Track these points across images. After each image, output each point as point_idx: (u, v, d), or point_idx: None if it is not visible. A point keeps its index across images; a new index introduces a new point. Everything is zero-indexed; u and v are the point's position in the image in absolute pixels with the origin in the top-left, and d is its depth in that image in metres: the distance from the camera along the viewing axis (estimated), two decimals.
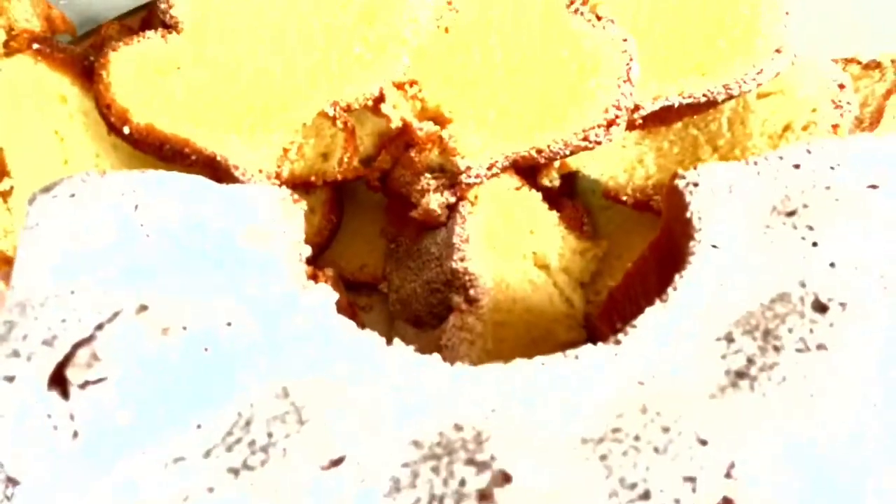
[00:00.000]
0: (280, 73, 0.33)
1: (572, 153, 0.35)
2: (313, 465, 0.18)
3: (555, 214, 0.38)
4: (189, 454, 0.18)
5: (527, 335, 0.36)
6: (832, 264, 0.23)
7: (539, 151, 0.34)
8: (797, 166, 0.26)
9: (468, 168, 0.34)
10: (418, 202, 0.36)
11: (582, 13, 0.34)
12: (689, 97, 0.34)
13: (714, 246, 0.24)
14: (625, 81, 0.33)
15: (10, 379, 0.20)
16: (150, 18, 0.41)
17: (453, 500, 0.17)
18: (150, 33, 0.33)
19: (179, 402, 0.19)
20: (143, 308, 0.21)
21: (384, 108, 0.33)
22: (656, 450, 0.18)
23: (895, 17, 0.47)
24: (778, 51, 0.34)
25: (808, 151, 0.26)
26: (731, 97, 0.34)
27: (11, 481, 0.21)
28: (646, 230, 0.39)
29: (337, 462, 0.18)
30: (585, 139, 0.33)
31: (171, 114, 0.31)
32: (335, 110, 0.34)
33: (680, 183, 0.27)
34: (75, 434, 0.19)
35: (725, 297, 0.23)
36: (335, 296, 0.23)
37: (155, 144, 0.30)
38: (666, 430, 0.19)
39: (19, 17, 0.34)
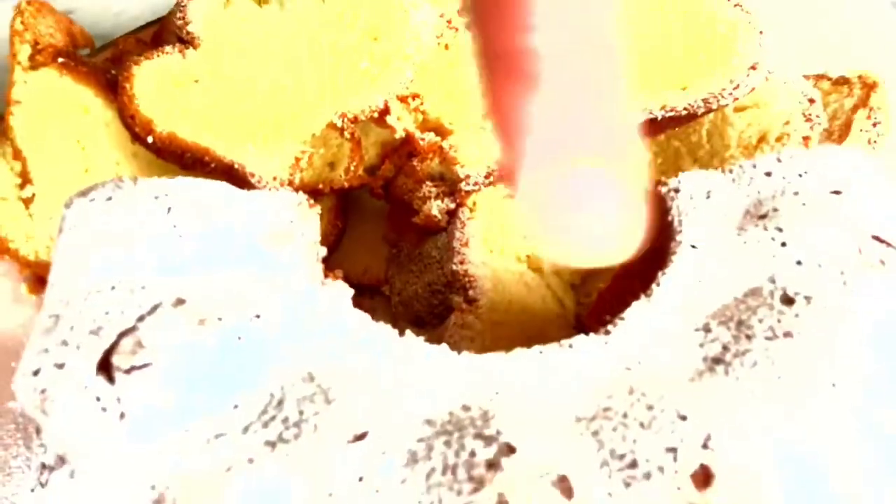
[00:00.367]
0: (291, 86, 0.35)
1: None
2: (341, 439, 0.20)
3: None
4: (229, 430, 0.20)
5: (522, 333, 0.39)
6: (798, 262, 0.25)
7: None
8: (769, 174, 0.29)
9: (467, 176, 0.37)
10: (420, 208, 0.38)
11: None
12: (672, 111, 0.37)
13: (693, 246, 0.27)
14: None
15: (61, 366, 0.22)
16: (161, 33, 0.43)
17: (465, 469, 0.20)
18: (168, 48, 0.35)
19: (217, 385, 0.21)
20: (181, 301, 0.23)
21: (389, 119, 0.36)
22: (642, 425, 0.21)
23: (863, 37, 0.50)
24: (753, 67, 0.37)
25: (779, 160, 0.29)
26: (710, 110, 0.37)
27: (48, 468, 0.23)
28: None
29: (361, 437, 0.20)
30: None
31: (191, 124, 0.33)
32: (343, 121, 0.36)
33: (662, 189, 0.29)
34: (122, 415, 0.21)
35: (703, 292, 0.25)
36: (350, 291, 0.26)
37: (177, 153, 0.32)
38: (650, 408, 0.21)
39: (44, 31, 0.36)
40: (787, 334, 0.23)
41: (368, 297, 0.43)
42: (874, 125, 0.43)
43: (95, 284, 0.24)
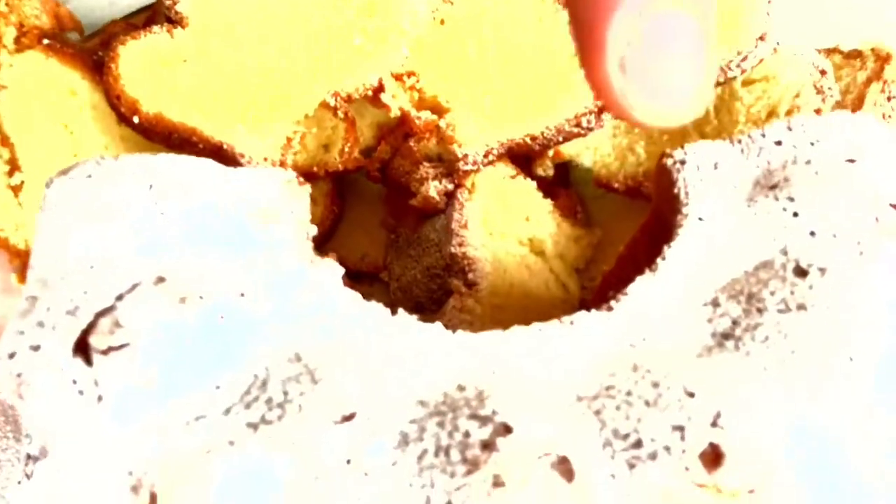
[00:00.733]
0: (283, 65, 0.34)
1: (565, 140, 0.36)
2: (327, 420, 0.19)
3: (549, 202, 0.40)
4: (210, 412, 0.19)
5: (524, 318, 0.37)
6: (812, 233, 0.24)
7: (533, 138, 0.35)
8: (779, 143, 0.27)
9: (465, 156, 0.35)
10: (417, 190, 0.37)
11: None
12: None
13: (700, 219, 0.26)
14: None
15: (36, 348, 0.21)
16: (154, 18, 0.42)
17: (458, 450, 0.18)
18: (156, 28, 0.34)
19: (198, 365, 0.20)
20: (161, 280, 0.22)
21: (384, 97, 0.35)
22: (647, 403, 0.20)
23: (875, 9, 0.49)
24: (761, 38, 0.35)
25: (789, 129, 0.28)
26: (717, 84, 0.36)
27: (32, 458, 0.22)
28: (638, 217, 0.40)
29: (349, 417, 0.19)
30: (577, 125, 0.35)
31: (178, 104, 0.32)
32: (336, 101, 0.35)
33: (668, 161, 0.28)
34: (99, 398, 0.20)
35: (712, 265, 0.24)
36: (341, 270, 0.25)
37: (164, 133, 0.31)
38: (656, 385, 0.20)
39: (29, 13, 0.35)
40: (801, 307, 0.22)
41: (367, 283, 0.42)
42: (888, 99, 0.41)
43: (74, 264, 0.23)
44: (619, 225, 0.41)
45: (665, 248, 0.25)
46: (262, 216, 0.26)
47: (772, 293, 0.22)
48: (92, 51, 0.36)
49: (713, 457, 0.18)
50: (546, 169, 0.40)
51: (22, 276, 0.38)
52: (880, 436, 0.19)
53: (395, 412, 0.20)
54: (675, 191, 0.27)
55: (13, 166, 0.36)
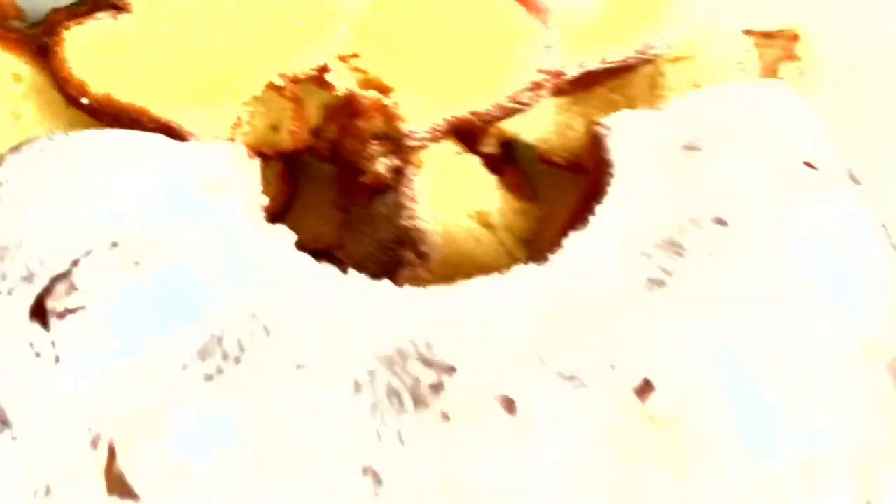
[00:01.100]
0: (228, 45, 0.35)
1: (506, 116, 0.38)
2: (282, 369, 0.20)
3: (495, 178, 0.41)
4: (166, 368, 0.20)
5: None
6: (730, 188, 0.26)
7: (476, 114, 0.37)
8: (700, 109, 0.30)
9: (411, 132, 0.37)
10: (367, 168, 0.38)
11: None
12: (607, 63, 0.38)
13: (628, 179, 0.28)
14: (548, 48, 0.36)
15: None
16: (96, 6, 0.42)
17: (409, 392, 0.20)
18: (100, 14, 0.34)
19: (154, 326, 0.21)
20: (115, 245, 0.23)
21: (329, 78, 0.36)
22: (583, 344, 0.21)
23: None
24: (682, 19, 0.38)
25: (709, 95, 0.30)
26: (644, 62, 0.38)
27: None
28: (579, 189, 0.42)
29: (301, 367, 0.20)
30: (516, 101, 0.36)
31: (126, 85, 0.33)
32: (283, 81, 0.36)
33: (599, 129, 0.30)
34: (57, 359, 0.21)
35: (640, 220, 0.26)
36: (294, 236, 0.26)
37: (113, 114, 0.32)
38: (591, 327, 0.22)
39: None
40: (721, 253, 0.24)
41: (322, 262, 0.43)
42: (801, 76, 0.44)
43: (29, 234, 0.23)
44: (563, 198, 0.43)
45: (595, 205, 0.27)
46: (213, 187, 0.26)
47: (694, 242, 0.24)
48: (36, 35, 0.36)
49: (645, 389, 0.20)
50: (491, 146, 0.42)
51: None
52: (794, 366, 0.21)
53: (348, 361, 0.21)
54: (606, 155, 0.29)
55: None
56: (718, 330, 0.21)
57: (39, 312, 0.21)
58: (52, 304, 0.21)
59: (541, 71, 0.36)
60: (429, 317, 0.22)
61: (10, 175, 0.25)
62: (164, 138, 0.27)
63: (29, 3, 0.44)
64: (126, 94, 0.32)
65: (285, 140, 0.38)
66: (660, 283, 0.23)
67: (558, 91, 0.40)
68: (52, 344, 0.21)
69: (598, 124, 0.30)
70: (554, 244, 0.37)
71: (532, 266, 0.24)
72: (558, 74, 0.38)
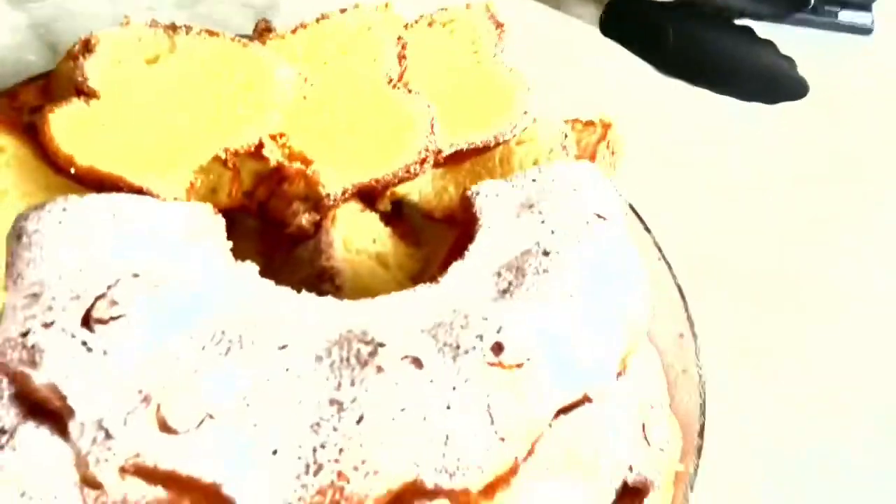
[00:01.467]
0: (182, 127, 0.45)
1: (399, 182, 0.50)
2: (270, 349, 0.30)
3: (389, 229, 0.53)
4: (190, 350, 0.29)
5: None
6: (553, 231, 0.40)
7: (377, 181, 0.49)
8: (534, 180, 0.44)
9: (327, 195, 0.48)
10: (291, 222, 0.49)
11: (399, 87, 0.50)
12: (472, 144, 0.52)
13: (489, 227, 0.41)
14: (430, 133, 0.49)
15: (49, 325, 0.30)
16: (49, 84, 0.50)
17: (356, 358, 0.31)
18: (74, 99, 0.43)
19: (175, 325, 0.30)
20: (136, 275, 0.32)
21: (264, 152, 0.46)
22: (462, 327, 0.33)
23: (605, 90, 0.70)
24: (525, 112, 0.52)
25: (540, 171, 0.44)
26: (498, 144, 0.52)
27: (6, 432, 0.31)
28: (453, 237, 0.55)
29: (283, 347, 0.31)
30: (407, 171, 0.49)
31: (104, 157, 0.41)
32: (225, 154, 0.46)
33: (469, 193, 0.43)
34: (105, 352, 0.29)
35: (496, 252, 0.39)
36: (257, 268, 0.36)
37: (97, 181, 0.40)
38: (466, 317, 0.34)
39: None
40: (545, 271, 0.37)
41: None
42: (612, 153, 0.61)
43: (64, 269, 0.32)
44: (440, 243, 0.55)
45: (469, 244, 0.39)
46: (193, 235, 0.36)
47: (530, 265, 0.37)
48: (15, 111, 0.43)
49: (498, 349, 0.32)
50: (385, 205, 0.54)
51: None
52: (587, 333, 0.34)
53: (312, 343, 0.31)
54: (474, 211, 0.42)
55: None
56: (539, 315, 0.34)
57: (87, 322, 0.30)
58: (98, 314, 0.30)
59: (425, 149, 0.49)
60: (363, 316, 0.33)
61: (38, 226, 0.34)
62: (151, 199, 0.37)
63: None
64: (106, 165, 0.41)
65: (223, 200, 0.48)
66: (507, 291, 0.36)
67: (437, 164, 0.53)
68: (100, 342, 0.29)
69: (468, 189, 0.43)
70: (441, 270, 0.49)
71: (429, 284, 0.36)
72: (437, 152, 0.51)
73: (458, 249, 0.46)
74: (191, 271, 0.33)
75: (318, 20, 0.52)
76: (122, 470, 0.27)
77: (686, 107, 0.77)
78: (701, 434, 0.45)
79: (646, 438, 0.42)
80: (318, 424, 0.28)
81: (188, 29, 0.46)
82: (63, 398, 0.29)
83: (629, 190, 0.55)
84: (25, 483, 0.31)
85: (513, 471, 0.32)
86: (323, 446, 0.28)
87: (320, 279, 0.47)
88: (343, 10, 0.52)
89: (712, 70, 0.79)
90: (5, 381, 0.31)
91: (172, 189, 0.44)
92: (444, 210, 0.55)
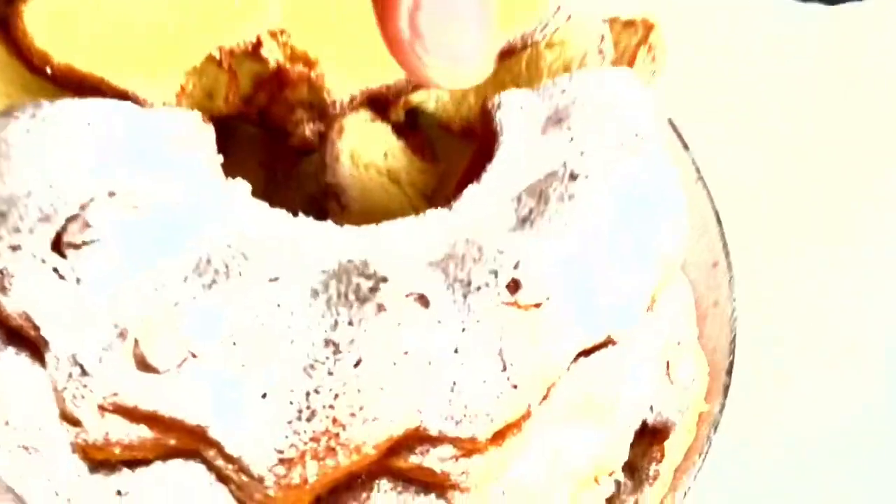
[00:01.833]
0: (173, 21, 0.40)
1: (413, 89, 0.45)
2: (260, 281, 0.27)
3: (402, 141, 0.49)
4: (171, 281, 0.27)
5: None
6: (582, 152, 0.35)
7: (388, 87, 0.44)
8: (564, 91, 0.39)
9: (333, 102, 0.44)
10: (293, 132, 0.45)
11: None
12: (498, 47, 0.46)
13: (510, 145, 0.36)
14: None
15: (16, 248, 0.27)
16: None
17: (353, 294, 0.27)
18: None
19: (155, 251, 0.27)
20: (112, 194, 0.28)
21: (262, 52, 0.42)
22: (474, 260, 0.30)
23: None
24: (558, 8, 0.47)
25: (571, 80, 0.39)
26: (525, 46, 0.47)
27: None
28: (471, 152, 0.51)
29: (275, 279, 0.27)
30: None
31: (84, 56, 0.37)
32: (220, 54, 0.41)
33: (489, 104, 0.39)
34: (78, 280, 0.27)
35: (517, 175, 0.35)
36: (249, 186, 0.32)
37: (75, 82, 0.36)
38: (480, 249, 0.30)
39: None
40: (571, 198, 0.33)
41: None
42: (653, 60, 0.55)
43: (35, 185, 0.28)
44: (458, 159, 0.51)
45: (487, 164, 0.35)
46: (178, 144, 0.32)
47: (554, 190, 0.33)
48: None
49: (514, 286, 0.29)
50: (398, 114, 0.49)
51: None
52: (609, 263, 0.31)
53: (307, 276, 0.28)
54: (494, 125, 0.38)
55: None
56: (563, 247, 0.30)
57: (58, 246, 0.27)
58: (69, 238, 0.27)
59: None
60: (364, 245, 0.30)
61: (7, 135, 0.30)
62: (131, 105, 0.33)
63: None
64: (85, 65, 0.37)
65: (219, 106, 0.44)
66: (527, 220, 0.32)
67: None
68: (73, 269, 0.27)
69: (489, 99, 0.39)
70: (455, 194, 0.46)
71: (440, 210, 0.32)
72: None
73: (474, 169, 0.42)
74: (174, 190, 0.30)
75: None
76: (101, 408, 0.25)
77: (734, 5, 0.69)
78: (729, 372, 0.42)
79: (669, 377, 0.39)
80: (311, 367, 0.25)
81: None
82: (37, 328, 0.26)
83: (668, 102, 0.50)
84: (9, 413, 0.29)
85: (525, 416, 0.29)
86: (317, 391, 0.25)
87: (325, 197, 0.44)
88: None
89: None
90: None
91: (161, 93, 0.39)
92: (462, 121, 0.50)
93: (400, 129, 0.49)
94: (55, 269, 0.26)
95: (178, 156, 0.32)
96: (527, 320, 0.28)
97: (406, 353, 0.26)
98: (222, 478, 0.27)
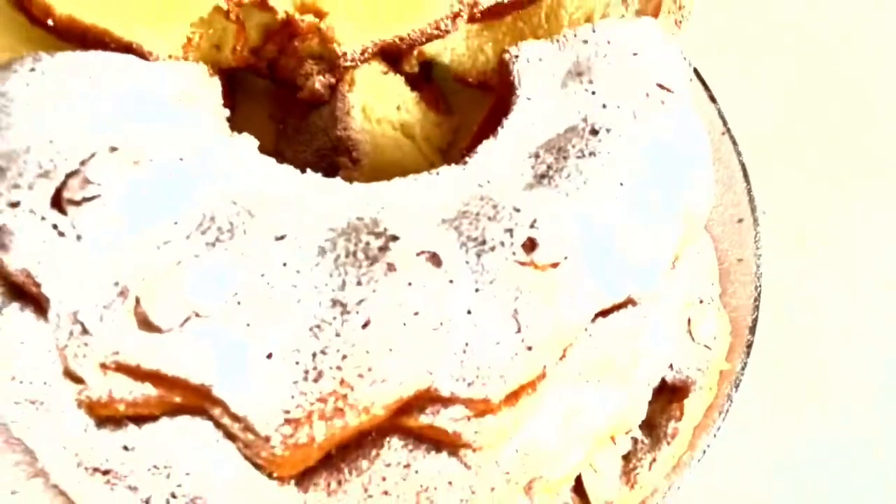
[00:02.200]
0: None
1: (427, 41, 0.43)
2: (266, 239, 0.26)
3: (416, 94, 0.47)
4: (174, 237, 0.26)
5: None
6: (604, 105, 0.33)
7: (401, 39, 0.42)
8: (585, 41, 0.37)
9: (344, 54, 0.42)
10: (303, 85, 0.43)
11: None
12: None
13: (528, 98, 0.35)
14: None
15: (15, 204, 0.26)
16: None
17: (362, 252, 0.27)
18: None
19: (157, 207, 0.27)
20: (114, 149, 0.27)
21: (270, 2, 0.40)
22: (489, 218, 0.29)
23: None
24: None
25: (593, 31, 0.37)
26: None
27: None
28: (487, 106, 0.49)
29: (281, 237, 0.27)
30: (436, 28, 0.42)
31: (88, 7, 0.35)
32: (228, 5, 0.40)
33: (506, 56, 0.37)
34: (79, 237, 0.26)
35: (535, 129, 0.33)
36: (256, 142, 0.31)
37: (78, 34, 0.35)
38: (495, 207, 0.29)
39: None
40: (592, 154, 0.31)
41: None
42: (679, 8, 0.52)
43: (34, 140, 0.28)
44: (474, 112, 0.49)
45: (503, 119, 0.34)
46: (183, 99, 0.31)
47: (573, 146, 0.32)
48: None
49: (530, 245, 0.28)
50: (412, 66, 0.47)
51: None
52: (630, 224, 0.29)
53: (314, 233, 0.27)
54: (511, 78, 0.36)
55: None
56: (582, 206, 0.29)
57: (58, 203, 0.26)
58: (70, 194, 0.26)
59: (458, 1, 0.42)
60: (375, 202, 0.29)
61: (7, 89, 0.29)
62: (136, 58, 0.31)
63: None
64: (88, 16, 0.35)
65: (227, 58, 0.42)
66: (545, 177, 0.30)
67: (472, 19, 0.46)
68: (73, 225, 0.26)
69: (506, 51, 0.37)
70: (470, 150, 0.44)
71: (454, 166, 0.31)
72: (473, 4, 0.44)
73: (491, 123, 0.41)
74: (177, 146, 0.29)
75: None
76: (103, 366, 0.25)
77: None
78: (752, 330, 0.41)
79: (690, 334, 0.38)
80: (318, 327, 0.25)
81: None
82: (38, 285, 0.26)
83: (694, 52, 0.48)
84: (14, 367, 0.29)
85: (540, 377, 0.28)
86: (324, 351, 0.25)
87: (336, 151, 0.43)
88: None
89: None
90: None
91: (167, 45, 0.38)
92: (479, 74, 0.48)
93: (413, 82, 0.47)
94: (55, 226, 0.26)
95: (182, 110, 0.31)
96: (543, 281, 0.27)
97: (416, 313, 0.25)
98: (229, 435, 0.27)
